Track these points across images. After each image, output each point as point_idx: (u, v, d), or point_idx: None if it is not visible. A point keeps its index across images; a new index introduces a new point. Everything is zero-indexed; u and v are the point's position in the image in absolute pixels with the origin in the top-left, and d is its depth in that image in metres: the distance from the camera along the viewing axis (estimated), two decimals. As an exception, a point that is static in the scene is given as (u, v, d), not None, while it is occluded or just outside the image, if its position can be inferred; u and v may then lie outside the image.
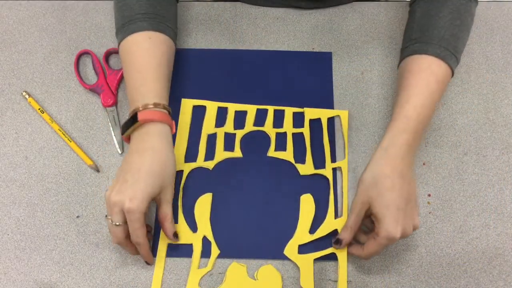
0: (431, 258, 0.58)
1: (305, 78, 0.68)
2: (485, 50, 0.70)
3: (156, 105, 0.56)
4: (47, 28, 0.71)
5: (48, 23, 0.72)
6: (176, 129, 0.64)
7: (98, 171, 0.62)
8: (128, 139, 0.58)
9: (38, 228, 0.59)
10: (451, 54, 0.58)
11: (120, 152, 0.63)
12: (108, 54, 0.69)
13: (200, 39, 0.71)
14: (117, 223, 0.52)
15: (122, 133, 0.58)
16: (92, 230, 0.59)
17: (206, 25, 0.72)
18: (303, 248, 0.58)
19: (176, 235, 0.57)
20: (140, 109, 0.55)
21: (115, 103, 0.65)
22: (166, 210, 0.55)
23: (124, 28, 0.60)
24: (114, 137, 0.64)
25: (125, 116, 0.65)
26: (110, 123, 0.64)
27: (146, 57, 0.59)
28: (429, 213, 0.60)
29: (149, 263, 0.56)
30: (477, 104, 0.67)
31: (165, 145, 0.55)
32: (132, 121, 0.56)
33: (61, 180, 0.62)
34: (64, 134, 0.64)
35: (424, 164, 0.63)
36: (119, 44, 0.61)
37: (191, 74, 0.68)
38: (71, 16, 0.72)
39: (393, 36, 0.71)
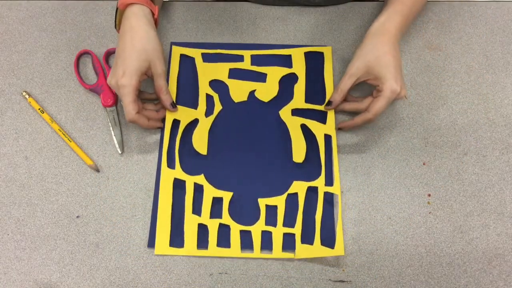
0: (431, 258, 0.58)
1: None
2: (485, 50, 0.70)
3: None
4: (47, 28, 0.71)
5: (48, 23, 0.72)
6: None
7: (98, 171, 0.62)
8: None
9: (38, 228, 0.59)
10: None
11: (120, 152, 0.63)
12: (108, 54, 0.69)
13: (200, 39, 0.71)
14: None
15: (115, 26, 0.62)
16: (92, 230, 0.59)
17: (206, 25, 0.72)
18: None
19: (174, 104, 0.62)
20: None
21: (115, 103, 0.65)
22: (160, 82, 0.60)
23: None
24: (114, 137, 0.64)
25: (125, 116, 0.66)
26: (110, 123, 0.64)
27: None
28: (429, 213, 0.60)
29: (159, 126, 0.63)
30: (477, 104, 0.67)
31: (143, 22, 0.58)
32: (117, 11, 0.61)
33: (61, 180, 0.62)
34: (64, 134, 0.64)
35: (424, 164, 0.63)
36: None
37: (191, 74, 0.68)
38: (71, 16, 0.72)
39: (393, 36, 0.71)
